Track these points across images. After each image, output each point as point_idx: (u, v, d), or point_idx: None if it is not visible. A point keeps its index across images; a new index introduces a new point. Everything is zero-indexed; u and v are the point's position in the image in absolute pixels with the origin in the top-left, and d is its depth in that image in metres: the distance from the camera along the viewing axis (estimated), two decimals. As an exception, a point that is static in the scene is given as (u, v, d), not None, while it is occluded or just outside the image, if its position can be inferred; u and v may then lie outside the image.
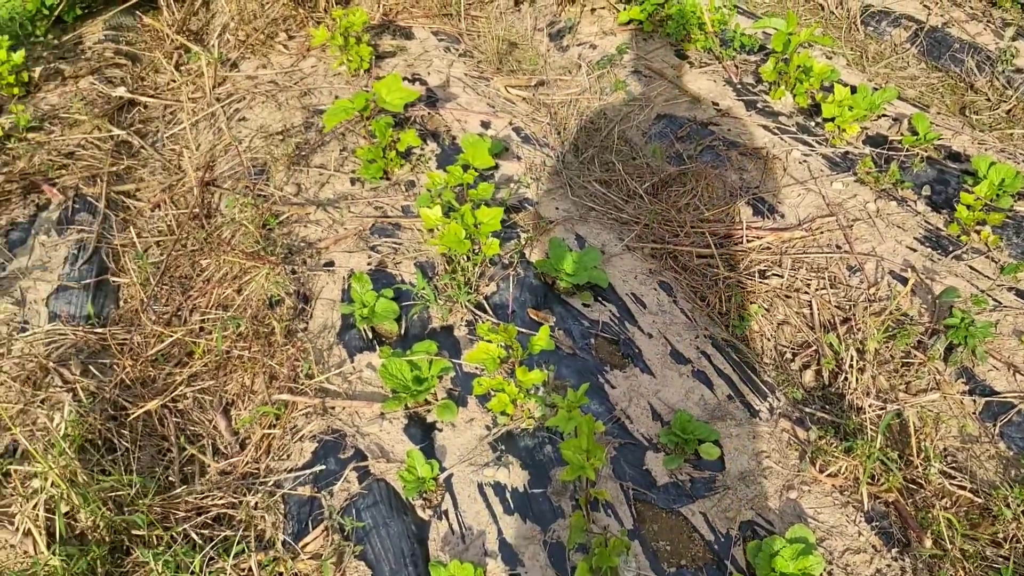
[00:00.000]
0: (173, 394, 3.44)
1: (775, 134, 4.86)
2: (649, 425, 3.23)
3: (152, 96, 5.54)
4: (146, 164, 4.95)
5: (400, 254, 4.04)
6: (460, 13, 6.50)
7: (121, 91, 5.45)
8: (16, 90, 5.30)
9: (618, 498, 2.93)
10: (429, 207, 3.96)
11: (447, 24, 6.46)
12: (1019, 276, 3.77)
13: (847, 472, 2.96)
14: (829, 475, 2.95)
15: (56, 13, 6.06)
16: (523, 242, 4.01)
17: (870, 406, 3.27)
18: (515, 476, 3.01)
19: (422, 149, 4.79)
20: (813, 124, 4.97)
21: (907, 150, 4.57)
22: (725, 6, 5.89)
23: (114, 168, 4.78)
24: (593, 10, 6.45)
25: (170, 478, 3.17)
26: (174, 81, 5.71)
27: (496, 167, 4.61)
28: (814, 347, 3.61)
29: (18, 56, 5.19)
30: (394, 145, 4.57)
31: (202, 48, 5.91)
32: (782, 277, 3.93)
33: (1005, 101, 5.17)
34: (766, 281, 3.93)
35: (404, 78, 5.44)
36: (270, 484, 3.07)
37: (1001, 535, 2.85)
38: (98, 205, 4.47)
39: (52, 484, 2.80)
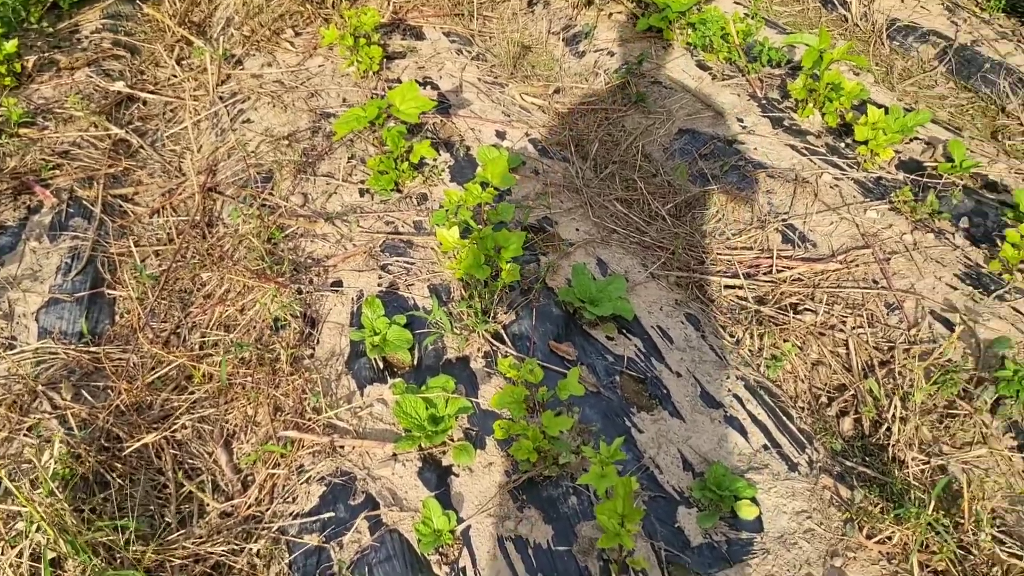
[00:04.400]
0: (172, 426, 3.21)
1: (804, 155, 4.64)
2: (680, 476, 3.03)
3: (152, 92, 5.29)
4: (145, 165, 4.70)
5: (412, 275, 3.82)
6: (472, 13, 6.26)
7: (119, 85, 5.21)
8: (8, 81, 5.04)
9: (650, 559, 2.72)
10: (445, 226, 3.74)
11: (459, 25, 6.22)
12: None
13: (896, 539, 2.77)
14: (877, 542, 2.76)
15: (52, -1, 5.80)
16: (544, 268, 3.79)
17: (913, 460, 3.08)
18: (538, 530, 2.80)
19: (435, 160, 4.56)
20: (843, 145, 4.76)
21: (943, 178, 4.36)
22: (751, 16, 5.68)
23: (111, 169, 4.53)
24: (611, 15, 6.22)
25: (166, 518, 2.95)
26: (175, 76, 5.46)
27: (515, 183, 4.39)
28: (852, 391, 3.41)
29: (11, 45, 4.92)
30: (407, 156, 4.35)
31: (205, 42, 5.66)
32: (816, 313, 3.73)
33: (1040, 127, 4.99)
34: (799, 316, 3.73)
35: (415, 81, 5.20)
36: (274, 530, 2.86)
37: (1057, 610, 2.67)
38: (94, 209, 4.23)
39: (38, 529, 2.58)
